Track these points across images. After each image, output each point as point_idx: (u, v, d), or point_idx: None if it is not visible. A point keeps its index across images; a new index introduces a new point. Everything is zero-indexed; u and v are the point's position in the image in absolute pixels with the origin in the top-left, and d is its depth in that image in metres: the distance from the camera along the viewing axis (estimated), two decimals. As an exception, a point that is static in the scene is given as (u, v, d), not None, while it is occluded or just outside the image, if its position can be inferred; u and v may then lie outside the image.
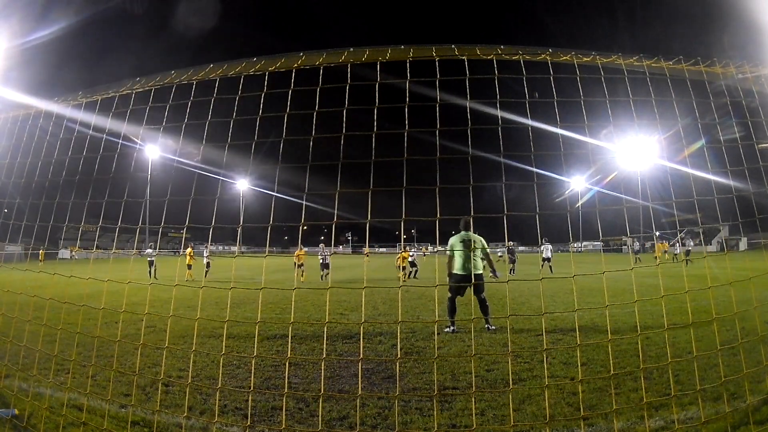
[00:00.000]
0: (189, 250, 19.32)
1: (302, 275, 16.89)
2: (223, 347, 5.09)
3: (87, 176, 3.79)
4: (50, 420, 3.20)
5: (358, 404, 3.46)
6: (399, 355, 5.11)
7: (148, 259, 19.50)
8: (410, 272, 18.46)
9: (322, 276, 16.99)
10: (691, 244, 27.15)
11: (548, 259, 19.55)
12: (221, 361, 4.72)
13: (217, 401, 3.60)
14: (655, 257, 23.29)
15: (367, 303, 9.79)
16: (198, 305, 8.58)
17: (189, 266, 18.27)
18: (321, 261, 17.53)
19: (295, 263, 17.10)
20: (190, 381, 3.74)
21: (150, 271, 18.27)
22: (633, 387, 3.86)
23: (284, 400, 3.49)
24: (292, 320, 6.91)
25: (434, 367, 4.51)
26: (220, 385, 3.62)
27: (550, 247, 20.02)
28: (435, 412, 3.40)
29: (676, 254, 26.99)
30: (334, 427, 3.23)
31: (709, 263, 3.63)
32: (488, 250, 7.46)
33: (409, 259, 18.97)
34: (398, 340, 5.72)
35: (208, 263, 18.47)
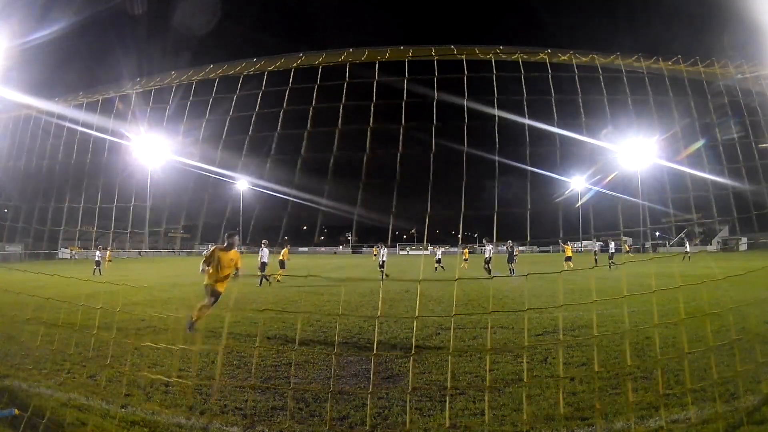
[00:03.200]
0: (285, 250, 16.25)
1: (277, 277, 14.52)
2: (253, 349, 5.09)
3: (87, 177, 3.80)
4: (50, 420, 3.20)
5: (367, 403, 3.47)
6: (375, 352, 5.12)
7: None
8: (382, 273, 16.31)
9: (261, 279, 14.11)
10: (612, 247, 22.31)
11: (488, 261, 17.25)
12: (223, 361, 4.72)
13: (248, 402, 3.60)
14: (568, 257, 20.06)
15: (368, 303, 9.80)
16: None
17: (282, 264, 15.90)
18: (260, 261, 14.73)
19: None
20: (191, 381, 3.74)
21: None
22: (633, 387, 3.85)
23: (274, 400, 3.48)
24: (294, 320, 6.92)
25: (434, 367, 4.51)
26: (220, 385, 3.62)
27: (491, 248, 17.87)
28: (436, 412, 3.40)
29: (596, 257, 23.03)
30: (335, 427, 3.23)
31: (707, 263, 3.63)
32: None
33: (381, 259, 16.90)
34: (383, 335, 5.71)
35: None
